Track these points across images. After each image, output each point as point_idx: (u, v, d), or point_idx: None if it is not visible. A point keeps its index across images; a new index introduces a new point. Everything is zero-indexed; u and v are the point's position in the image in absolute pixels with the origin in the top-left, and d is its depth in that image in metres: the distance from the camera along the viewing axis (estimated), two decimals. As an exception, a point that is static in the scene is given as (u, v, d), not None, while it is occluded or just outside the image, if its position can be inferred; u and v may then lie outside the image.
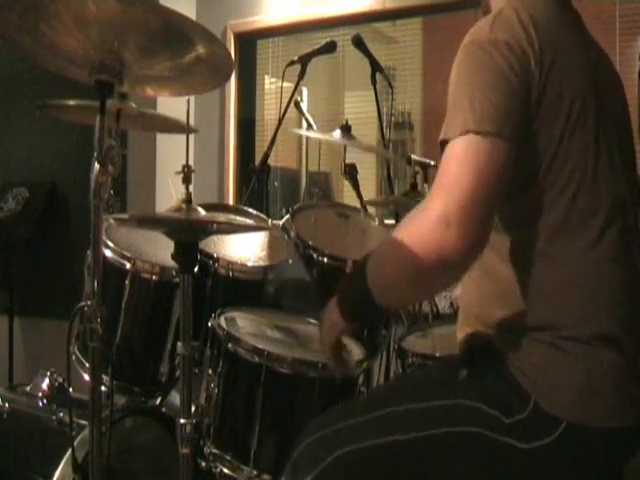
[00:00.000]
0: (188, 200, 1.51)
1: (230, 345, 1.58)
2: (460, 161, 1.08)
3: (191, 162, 1.57)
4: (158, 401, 1.96)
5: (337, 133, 2.21)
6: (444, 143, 1.12)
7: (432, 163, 2.36)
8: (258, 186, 2.68)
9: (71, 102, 1.70)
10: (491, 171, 1.07)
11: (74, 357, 1.87)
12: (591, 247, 1.14)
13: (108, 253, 1.81)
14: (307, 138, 3.06)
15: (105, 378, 1.70)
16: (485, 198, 1.06)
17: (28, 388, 1.99)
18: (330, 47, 2.56)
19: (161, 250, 1.77)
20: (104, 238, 1.76)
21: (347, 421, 1.21)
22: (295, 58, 2.56)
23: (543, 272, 1.14)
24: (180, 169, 1.55)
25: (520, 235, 1.16)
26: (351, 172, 2.35)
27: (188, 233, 1.45)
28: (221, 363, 1.60)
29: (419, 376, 1.36)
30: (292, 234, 1.97)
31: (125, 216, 1.64)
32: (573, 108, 1.13)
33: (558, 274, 1.14)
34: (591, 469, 1.12)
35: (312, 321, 1.82)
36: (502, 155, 1.08)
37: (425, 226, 1.07)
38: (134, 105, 1.69)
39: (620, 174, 1.19)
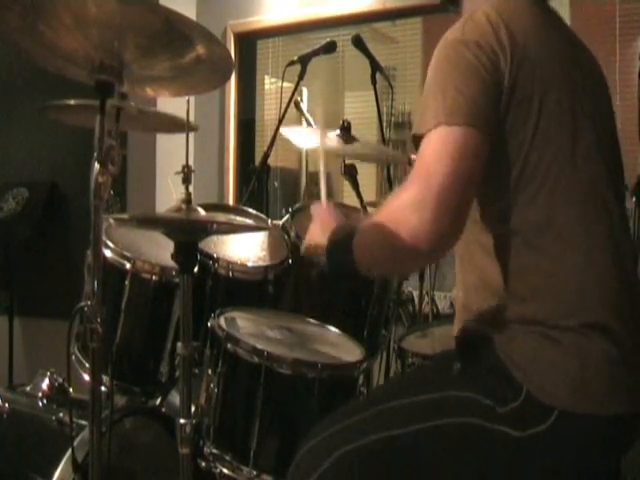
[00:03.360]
0: (188, 200, 1.51)
1: (230, 345, 1.58)
2: (434, 152, 1.12)
3: (191, 162, 1.57)
4: (158, 401, 1.95)
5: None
6: (417, 139, 1.15)
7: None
8: (258, 186, 2.68)
9: (71, 102, 1.69)
10: (464, 160, 1.10)
11: (74, 357, 1.87)
12: (578, 237, 1.15)
13: (108, 253, 1.81)
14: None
15: (105, 378, 1.70)
16: (457, 187, 1.09)
17: (28, 388, 1.99)
18: (330, 47, 2.56)
19: (161, 250, 1.77)
20: (104, 238, 1.76)
21: (345, 422, 1.22)
22: (295, 58, 2.56)
23: (531, 264, 1.15)
24: (180, 169, 1.55)
25: (505, 230, 1.17)
26: (351, 172, 2.35)
27: (188, 233, 1.45)
28: (221, 363, 1.60)
29: (414, 373, 1.38)
30: (292, 234, 1.97)
31: (125, 216, 1.63)
32: (546, 105, 1.15)
33: (546, 266, 1.15)
34: (586, 457, 1.13)
35: (312, 321, 1.82)
36: (474, 145, 1.11)
37: (399, 211, 1.12)
38: (134, 104, 1.68)
39: (601, 166, 1.20)
